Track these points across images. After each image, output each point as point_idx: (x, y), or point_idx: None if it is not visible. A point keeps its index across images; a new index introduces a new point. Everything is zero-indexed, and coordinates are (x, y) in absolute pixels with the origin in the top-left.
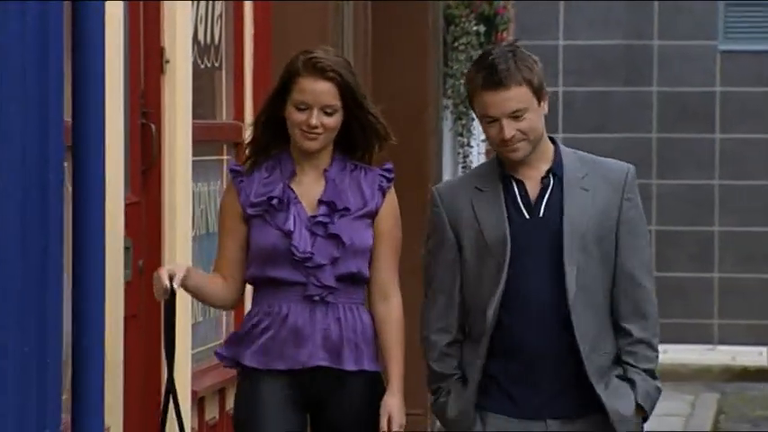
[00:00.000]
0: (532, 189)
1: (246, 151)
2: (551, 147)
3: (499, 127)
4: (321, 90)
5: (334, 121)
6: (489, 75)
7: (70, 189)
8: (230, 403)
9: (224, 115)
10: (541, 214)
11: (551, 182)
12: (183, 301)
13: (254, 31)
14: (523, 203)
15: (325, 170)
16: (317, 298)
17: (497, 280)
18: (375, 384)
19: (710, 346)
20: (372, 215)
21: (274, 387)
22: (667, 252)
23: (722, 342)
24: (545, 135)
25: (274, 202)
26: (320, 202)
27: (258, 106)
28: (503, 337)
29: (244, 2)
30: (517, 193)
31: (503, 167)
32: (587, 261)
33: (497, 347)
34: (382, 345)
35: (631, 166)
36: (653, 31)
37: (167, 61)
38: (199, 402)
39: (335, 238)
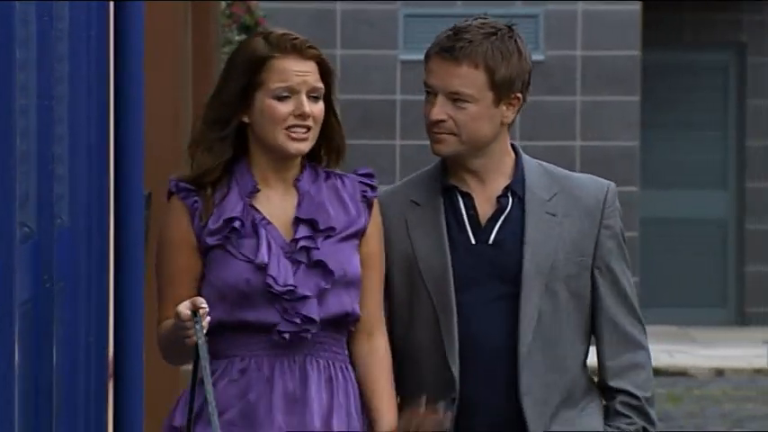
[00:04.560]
0: (483, 208)
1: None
2: (511, 158)
3: (432, 104)
4: (307, 70)
5: (321, 108)
6: (448, 39)
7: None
8: None
9: None
10: (491, 241)
11: (510, 202)
12: None
13: None
14: (470, 224)
15: (297, 180)
16: (286, 335)
17: (447, 323)
18: None
19: None
20: (360, 235)
21: None
22: None
23: None
24: (505, 144)
25: (236, 224)
26: (298, 220)
27: None
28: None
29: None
30: (463, 209)
31: (446, 176)
32: (552, 304)
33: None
34: (368, 383)
35: (611, 183)
36: (336, 41)
37: None
38: None
39: (321, 266)
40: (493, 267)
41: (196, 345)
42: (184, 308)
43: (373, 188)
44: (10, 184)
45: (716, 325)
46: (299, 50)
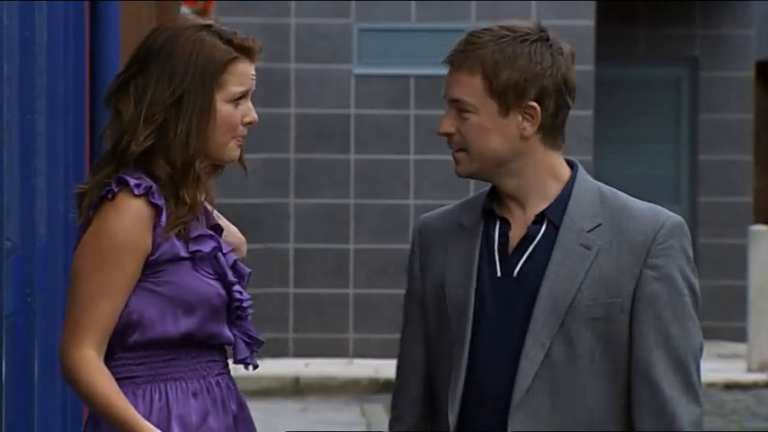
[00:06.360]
0: (516, 236)
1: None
2: (560, 180)
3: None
4: (254, 74)
5: None
6: (456, 45)
7: None
8: None
9: None
10: (516, 273)
11: (542, 229)
12: None
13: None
14: (499, 254)
15: None
16: (249, 360)
17: (458, 359)
18: None
19: (347, 360)
20: None
21: None
22: (305, 269)
23: (357, 355)
24: (544, 164)
25: (215, 241)
26: (218, 229)
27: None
28: None
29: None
30: (496, 237)
31: (491, 199)
32: (568, 348)
33: None
34: None
35: (672, 218)
36: (290, 55)
37: None
38: None
39: (245, 278)
40: (513, 303)
41: None
42: None
43: None
44: None
45: None
46: (254, 54)
